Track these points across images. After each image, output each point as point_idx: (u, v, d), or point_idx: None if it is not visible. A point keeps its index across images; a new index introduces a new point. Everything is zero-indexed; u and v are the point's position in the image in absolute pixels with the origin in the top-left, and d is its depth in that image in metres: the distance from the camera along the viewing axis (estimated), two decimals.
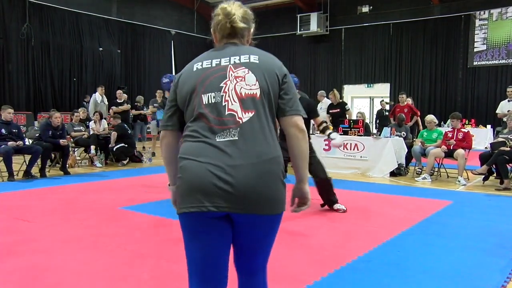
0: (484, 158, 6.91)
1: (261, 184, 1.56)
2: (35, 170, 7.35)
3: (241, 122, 1.60)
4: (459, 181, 7.10)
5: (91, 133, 9.20)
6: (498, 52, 14.72)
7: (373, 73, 17.17)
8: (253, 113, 1.62)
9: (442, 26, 15.60)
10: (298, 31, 17.66)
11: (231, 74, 1.66)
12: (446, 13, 15.49)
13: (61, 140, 7.63)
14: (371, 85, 17.26)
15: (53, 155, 8.12)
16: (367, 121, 12.66)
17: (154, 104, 10.99)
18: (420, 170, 7.86)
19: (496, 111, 10.38)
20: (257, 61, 1.69)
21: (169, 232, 4.21)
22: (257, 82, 1.65)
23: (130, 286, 2.85)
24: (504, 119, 8.62)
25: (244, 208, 1.56)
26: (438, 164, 7.66)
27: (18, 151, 7.15)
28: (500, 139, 7.07)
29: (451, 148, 7.23)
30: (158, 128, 10.88)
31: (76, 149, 9.34)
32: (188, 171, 1.58)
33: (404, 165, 8.15)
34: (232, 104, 1.62)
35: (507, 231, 4.26)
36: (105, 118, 10.07)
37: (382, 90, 16.77)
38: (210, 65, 1.70)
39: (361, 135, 8.29)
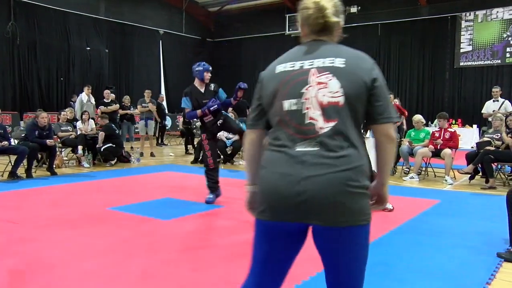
0: (470, 157, 7.00)
1: (338, 194, 1.47)
2: (21, 171, 7.25)
3: (321, 131, 1.51)
4: (446, 180, 7.18)
5: (78, 133, 9.12)
6: (483, 53, 14.92)
7: None
8: (335, 122, 1.52)
9: (429, 27, 15.76)
10: (287, 31, 17.69)
11: (313, 80, 1.54)
12: (433, 14, 15.65)
13: (48, 140, 7.54)
14: None
15: (39, 156, 8.03)
16: None
17: (143, 104, 10.93)
18: (408, 170, 7.93)
19: (482, 111, 10.53)
20: (343, 65, 1.55)
21: (157, 232, 4.19)
22: (341, 88, 1.52)
23: (119, 286, 2.83)
24: (490, 119, 8.75)
25: (321, 219, 1.48)
26: (426, 163, 7.74)
27: (3, 152, 7.05)
28: (485, 139, 7.17)
29: (438, 147, 7.31)
30: (146, 128, 10.84)
31: (63, 149, 9.24)
32: (265, 181, 1.55)
33: (392, 165, 8.21)
34: (313, 112, 1.53)
35: (492, 229, 4.32)
36: (92, 118, 9.99)
37: None
38: (293, 68, 1.59)
39: None
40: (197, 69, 5.38)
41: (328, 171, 1.47)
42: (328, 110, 1.52)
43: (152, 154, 10.69)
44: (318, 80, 1.53)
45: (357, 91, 1.53)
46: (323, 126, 1.51)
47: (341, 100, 1.52)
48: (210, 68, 5.43)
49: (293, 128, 1.54)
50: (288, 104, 1.55)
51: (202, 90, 5.36)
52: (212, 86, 5.40)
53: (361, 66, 1.57)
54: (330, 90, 1.52)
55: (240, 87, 5.38)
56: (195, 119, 6.26)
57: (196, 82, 5.39)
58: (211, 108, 5.19)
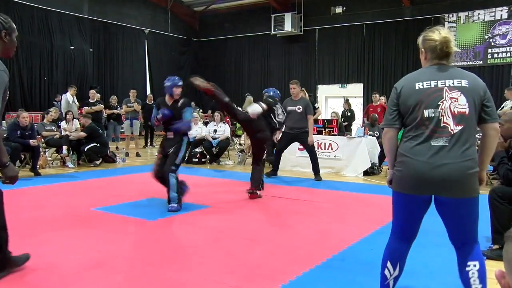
0: None
1: (462, 176, 2.17)
2: None
3: (452, 133, 2.19)
4: None
5: (62, 133, 9.00)
6: (466, 54, 15.15)
7: (347, 73, 17.37)
8: (462, 126, 2.19)
9: (413, 27, 15.90)
10: (273, 31, 17.70)
11: (447, 95, 2.21)
12: (416, 15, 15.82)
13: (31, 141, 7.43)
14: (345, 85, 17.48)
15: (23, 156, 7.90)
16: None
17: (128, 104, 10.84)
18: None
19: None
20: (467, 85, 2.23)
21: (143, 232, 4.17)
22: (467, 103, 2.20)
23: (103, 287, 2.81)
24: None
25: (451, 193, 2.20)
26: None
27: None
28: None
29: None
30: (131, 128, 10.75)
31: (47, 149, 9.11)
32: (409, 166, 2.24)
33: (378, 164, 8.30)
34: (446, 119, 2.20)
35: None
36: (76, 118, 9.87)
37: (356, 90, 17.01)
38: (429, 86, 2.24)
39: (335, 135, 8.39)
40: (166, 84, 5.25)
41: (456, 160, 2.17)
42: (457, 118, 2.20)
43: (137, 154, 10.60)
44: (451, 96, 2.21)
45: (477, 103, 2.22)
46: (454, 128, 2.18)
47: (467, 111, 2.20)
48: (180, 83, 5.23)
49: (431, 129, 2.20)
50: (428, 112, 2.22)
51: (169, 103, 5.24)
52: (180, 102, 5.22)
53: (478, 85, 2.26)
54: (460, 104, 2.20)
55: (163, 113, 5.13)
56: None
57: (167, 96, 5.28)
58: (157, 117, 5.14)
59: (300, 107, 7.27)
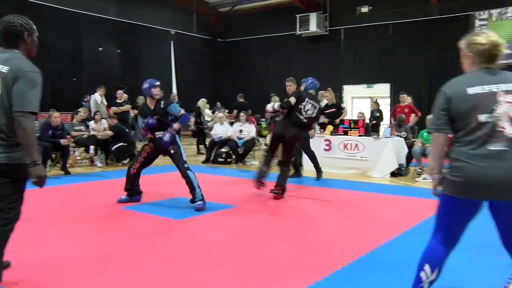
0: None
1: None
2: None
3: (509, 136, 2.16)
4: None
5: (91, 133, 9.19)
6: None
7: (373, 73, 17.15)
8: None
9: (441, 26, 15.58)
10: (298, 31, 17.64)
11: (502, 99, 2.19)
12: (445, 14, 15.48)
13: (61, 140, 7.62)
14: (371, 85, 17.26)
15: (53, 155, 8.11)
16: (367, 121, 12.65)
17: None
18: (421, 171, 7.86)
19: None
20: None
21: (170, 232, 4.21)
22: None
23: (131, 285, 2.85)
24: None
25: (507, 197, 2.20)
26: None
27: None
28: None
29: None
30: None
31: (76, 149, 9.32)
32: (467, 171, 2.21)
33: (405, 166, 8.16)
34: (503, 123, 2.17)
35: None
36: (104, 118, 10.06)
37: (382, 91, 16.77)
38: (483, 91, 2.21)
39: (361, 135, 8.30)
40: (143, 87, 5.33)
41: None
42: None
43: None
44: (507, 100, 2.19)
45: None
46: (510, 132, 2.17)
47: None
48: (157, 83, 5.32)
49: (487, 134, 2.18)
50: (484, 117, 2.19)
51: (152, 107, 5.29)
52: (162, 103, 5.29)
53: None
54: None
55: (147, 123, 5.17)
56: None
57: (148, 99, 5.37)
58: (143, 126, 5.19)
59: None
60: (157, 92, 5.29)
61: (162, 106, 5.25)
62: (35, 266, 3.18)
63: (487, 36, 2.30)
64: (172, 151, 5.19)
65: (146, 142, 5.52)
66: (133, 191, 5.39)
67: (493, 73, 2.28)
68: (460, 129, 2.26)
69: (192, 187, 5.04)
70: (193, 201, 5.07)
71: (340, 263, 3.26)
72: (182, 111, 5.31)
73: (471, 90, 2.23)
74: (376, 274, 3.09)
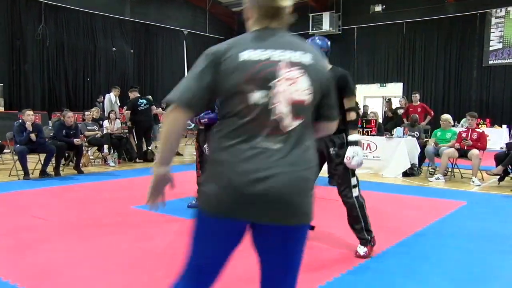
0: (500, 158, 6.81)
1: (297, 192, 1.46)
2: (49, 169, 7.44)
3: (288, 129, 1.47)
4: (473, 182, 7.02)
5: (104, 132, 9.29)
6: None
7: (386, 72, 17.03)
8: (301, 120, 1.49)
9: (456, 24, 15.40)
10: (311, 31, 17.59)
11: (284, 73, 1.46)
12: (461, 11, 15.29)
13: (75, 140, 7.71)
14: (384, 84, 17.13)
15: (67, 154, 8.22)
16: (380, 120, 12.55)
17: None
18: (434, 170, 7.78)
19: None
20: (312, 62, 1.52)
21: (182, 231, 4.24)
22: (310, 87, 1.50)
23: (144, 284, 2.88)
24: None
25: (278, 217, 1.47)
26: (452, 164, 7.58)
27: (33, 151, 7.25)
28: None
29: (465, 148, 7.15)
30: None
31: (89, 148, 9.43)
32: (221, 176, 1.46)
33: (417, 165, 8.08)
34: (280, 108, 1.46)
35: None
36: (118, 118, 10.16)
37: (395, 90, 16.63)
38: (259, 58, 1.46)
39: (374, 135, 8.24)
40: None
41: (292, 169, 1.46)
42: (296, 107, 1.48)
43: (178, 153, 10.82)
44: (289, 76, 1.47)
45: (322, 89, 1.56)
46: (290, 123, 1.47)
47: (307, 98, 1.50)
48: None
49: (258, 122, 1.45)
50: (257, 97, 1.45)
51: None
52: None
53: (324, 63, 1.61)
54: (300, 87, 1.48)
55: (209, 117, 4.74)
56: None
57: None
58: (201, 120, 4.87)
59: None
60: None
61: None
62: (47, 264, 3.23)
63: None
64: (205, 147, 4.89)
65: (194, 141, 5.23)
66: None
67: (278, 34, 1.54)
68: (225, 114, 1.50)
69: None
70: None
71: (352, 264, 3.24)
72: None
73: (243, 55, 1.46)
74: (388, 274, 3.07)
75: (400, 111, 11.06)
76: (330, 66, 3.54)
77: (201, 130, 5.09)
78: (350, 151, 3.27)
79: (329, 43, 3.68)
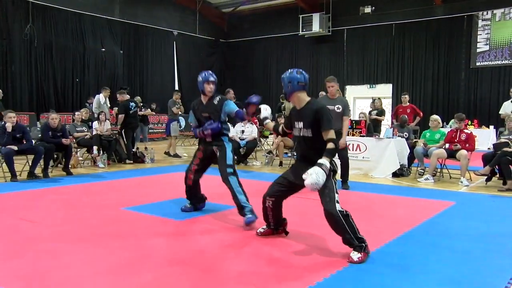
0: (487, 159, 6.89)
1: None
2: (37, 171, 7.36)
3: None
4: (461, 182, 7.09)
5: (93, 133, 9.21)
6: (501, 53, 14.67)
7: (376, 73, 17.15)
8: None
9: (444, 26, 15.57)
10: (301, 32, 17.65)
11: None
12: (448, 14, 15.46)
13: (63, 139, 7.62)
14: (374, 85, 17.24)
15: (55, 156, 8.13)
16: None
17: (176, 106, 10.90)
18: (423, 171, 7.84)
19: (499, 112, 10.35)
20: None
21: (171, 232, 4.22)
22: None
23: (132, 286, 2.86)
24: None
25: None
26: (441, 165, 7.65)
27: (21, 152, 7.16)
28: (502, 140, 7.06)
29: (454, 149, 7.22)
30: (178, 129, 11.09)
31: (78, 149, 9.34)
32: None
33: (407, 166, 8.14)
34: None
35: (510, 232, 4.26)
36: (108, 119, 10.09)
37: (385, 91, 16.75)
38: None
39: (363, 136, 8.28)
40: (198, 79, 4.73)
41: None
42: None
43: (175, 155, 10.74)
44: None
45: None
46: None
47: None
48: (212, 79, 4.67)
49: None
50: None
51: (205, 103, 4.73)
52: (217, 99, 4.68)
53: None
54: None
55: (251, 101, 4.40)
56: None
57: (201, 95, 4.78)
58: (204, 132, 4.63)
59: (340, 107, 6.41)
60: (210, 89, 4.66)
61: (216, 102, 4.65)
62: (35, 267, 3.19)
63: None
64: (217, 153, 4.69)
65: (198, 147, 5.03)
66: (196, 199, 5.01)
67: None
68: None
69: (235, 195, 4.49)
70: (241, 211, 4.46)
71: (341, 264, 3.25)
72: (238, 109, 4.71)
73: None
74: (377, 275, 3.09)
75: (374, 113, 11.02)
76: (308, 99, 3.57)
77: (201, 140, 4.91)
78: (312, 169, 3.30)
79: (307, 76, 3.65)
